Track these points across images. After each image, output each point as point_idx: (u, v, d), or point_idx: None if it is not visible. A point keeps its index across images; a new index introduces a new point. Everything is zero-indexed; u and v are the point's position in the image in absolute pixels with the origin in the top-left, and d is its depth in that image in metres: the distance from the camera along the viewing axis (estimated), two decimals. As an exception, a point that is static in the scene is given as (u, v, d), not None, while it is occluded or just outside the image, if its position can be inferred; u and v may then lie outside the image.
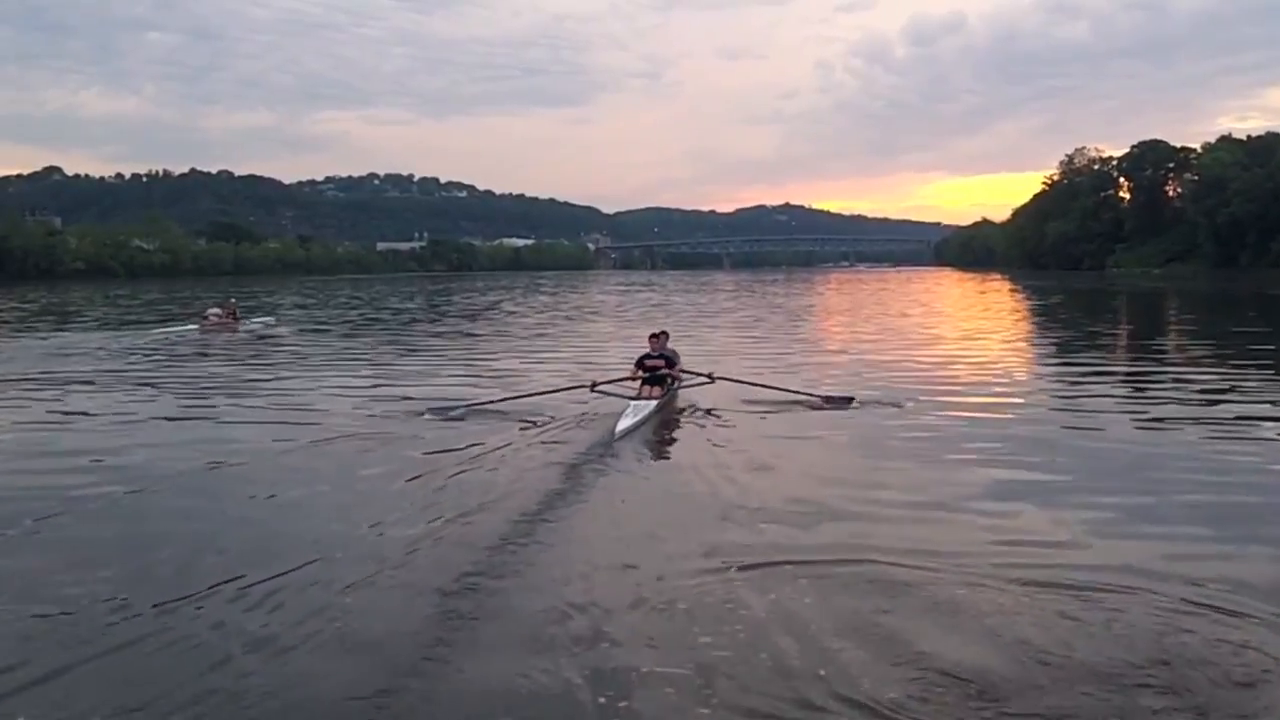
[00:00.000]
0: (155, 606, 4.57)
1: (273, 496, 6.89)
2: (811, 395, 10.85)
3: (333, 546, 5.51)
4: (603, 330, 25.61)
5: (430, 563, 5.19)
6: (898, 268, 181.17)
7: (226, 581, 4.88)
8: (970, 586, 4.77)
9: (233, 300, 29.56)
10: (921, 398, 11.22)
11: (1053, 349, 19.11)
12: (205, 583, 4.86)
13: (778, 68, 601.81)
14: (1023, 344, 20.99)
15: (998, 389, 12.59)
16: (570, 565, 5.19)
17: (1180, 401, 11.08)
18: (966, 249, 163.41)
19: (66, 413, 11.09)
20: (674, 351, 11.26)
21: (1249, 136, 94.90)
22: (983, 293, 51.00)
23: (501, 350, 19.28)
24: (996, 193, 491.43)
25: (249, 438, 9.21)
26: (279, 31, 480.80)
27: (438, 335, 24.56)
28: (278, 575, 4.94)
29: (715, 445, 8.62)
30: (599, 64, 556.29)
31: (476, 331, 25.88)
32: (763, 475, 7.43)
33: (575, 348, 19.36)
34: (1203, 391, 12.00)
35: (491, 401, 10.67)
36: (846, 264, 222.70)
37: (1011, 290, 52.29)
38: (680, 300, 44.77)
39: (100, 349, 19.30)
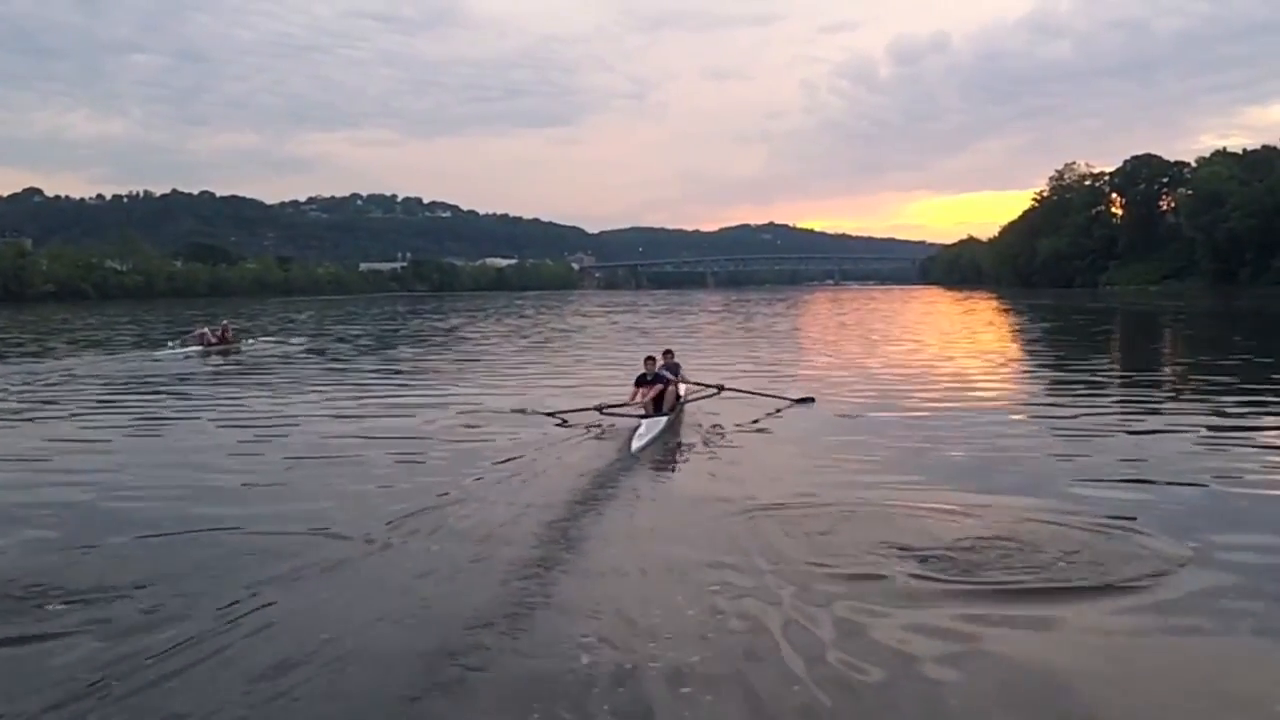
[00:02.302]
0: (175, 619, 4.56)
1: (283, 511, 6.82)
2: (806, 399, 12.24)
3: (352, 564, 5.46)
4: (575, 358, 22.73)
5: (452, 586, 5.10)
6: (884, 286, 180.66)
7: (240, 599, 4.82)
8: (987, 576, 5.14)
9: (225, 321, 27.03)
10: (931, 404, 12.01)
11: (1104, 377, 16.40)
12: (215, 603, 4.78)
13: (763, 88, 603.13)
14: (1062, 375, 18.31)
15: (1013, 400, 13.04)
16: (596, 591, 5.02)
17: None
18: (953, 267, 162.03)
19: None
20: (677, 365, 11.30)
21: (1245, 150, 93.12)
22: (982, 312, 48.40)
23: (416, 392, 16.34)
24: (981, 211, 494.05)
25: (255, 456, 9.28)
26: (265, 54, 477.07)
27: (355, 370, 21.65)
28: (291, 596, 4.89)
29: (728, 458, 8.82)
30: (585, 85, 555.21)
31: (410, 362, 22.95)
32: (776, 484, 7.53)
33: (531, 384, 16.41)
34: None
35: (505, 413, 11.02)
36: (832, 282, 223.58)
37: (1016, 311, 49.58)
38: (654, 324, 41.82)
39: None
